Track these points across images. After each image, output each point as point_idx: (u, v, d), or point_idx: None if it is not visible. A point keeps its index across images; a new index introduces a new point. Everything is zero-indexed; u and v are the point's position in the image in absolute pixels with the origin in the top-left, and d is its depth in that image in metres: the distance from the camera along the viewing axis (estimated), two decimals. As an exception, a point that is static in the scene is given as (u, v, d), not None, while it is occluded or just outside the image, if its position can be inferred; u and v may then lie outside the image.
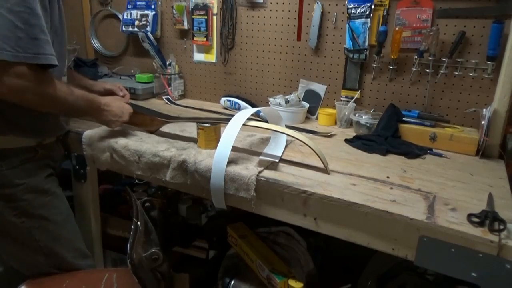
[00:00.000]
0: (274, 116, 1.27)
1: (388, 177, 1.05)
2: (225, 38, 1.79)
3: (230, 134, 1.03)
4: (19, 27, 0.88)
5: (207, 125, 1.18)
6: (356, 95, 1.52)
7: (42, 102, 0.99)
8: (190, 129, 1.37)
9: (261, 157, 1.14)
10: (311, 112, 1.66)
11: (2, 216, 1.08)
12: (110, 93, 1.43)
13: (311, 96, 1.66)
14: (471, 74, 1.34)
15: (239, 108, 1.71)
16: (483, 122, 1.21)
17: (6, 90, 0.91)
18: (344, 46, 1.54)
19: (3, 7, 0.86)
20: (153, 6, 1.91)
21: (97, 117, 1.18)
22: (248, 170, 1.03)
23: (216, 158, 1.03)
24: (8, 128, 1.04)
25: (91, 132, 1.31)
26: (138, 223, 1.04)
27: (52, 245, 1.16)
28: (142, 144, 1.21)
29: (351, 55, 1.52)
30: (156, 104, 1.80)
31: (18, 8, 0.87)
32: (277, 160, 1.12)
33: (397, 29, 1.38)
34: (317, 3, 1.53)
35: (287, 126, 1.31)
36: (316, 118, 1.65)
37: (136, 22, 1.93)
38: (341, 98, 1.58)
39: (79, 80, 1.41)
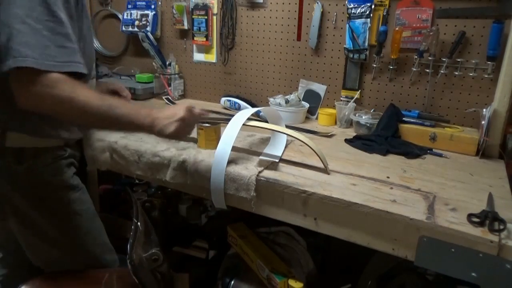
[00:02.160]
0: (274, 116, 1.27)
1: (388, 177, 1.05)
2: (225, 38, 1.79)
3: (230, 134, 1.03)
4: (46, 35, 0.86)
5: (207, 125, 1.18)
6: (356, 95, 1.52)
7: (72, 111, 0.92)
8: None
9: (261, 157, 1.14)
10: (311, 112, 1.66)
11: (35, 213, 1.08)
12: (114, 93, 1.42)
13: (311, 96, 1.66)
14: (471, 74, 1.34)
15: (239, 108, 1.71)
16: (483, 122, 1.21)
17: (35, 100, 0.87)
18: (344, 46, 1.54)
19: (30, 17, 0.85)
20: (153, 6, 1.91)
21: (147, 129, 0.98)
22: (248, 170, 1.03)
23: (216, 158, 1.03)
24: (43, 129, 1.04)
25: (91, 132, 1.31)
26: (138, 223, 1.04)
27: (83, 240, 1.16)
28: (142, 144, 1.21)
29: (351, 55, 1.52)
30: (156, 104, 1.80)
31: (44, 17, 0.87)
32: (277, 160, 1.12)
33: (397, 29, 1.38)
34: (317, 3, 1.53)
35: (287, 126, 1.31)
36: (316, 118, 1.65)
37: (136, 22, 1.93)
38: (341, 98, 1.59)
39: None
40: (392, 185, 1.00)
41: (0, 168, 1.03)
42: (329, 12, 1.55)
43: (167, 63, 1.89)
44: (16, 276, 1.33)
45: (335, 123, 1.58)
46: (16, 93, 0.87)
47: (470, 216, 0.83)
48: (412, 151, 1.24)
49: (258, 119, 1.45)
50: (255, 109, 1.17)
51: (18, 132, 1.01)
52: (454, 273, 0.79)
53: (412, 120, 1.38)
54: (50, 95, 0.87)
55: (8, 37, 0.84)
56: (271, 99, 1.61)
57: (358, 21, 1.47)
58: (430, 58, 1.37)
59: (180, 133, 1.01)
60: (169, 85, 1.90)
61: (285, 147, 1.24)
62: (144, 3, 1.93)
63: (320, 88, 1.65)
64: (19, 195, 1.06)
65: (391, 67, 1.46)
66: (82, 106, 0.89)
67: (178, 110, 1.01)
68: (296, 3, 1.59)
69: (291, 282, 1.17)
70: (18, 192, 1.06)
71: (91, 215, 1.19)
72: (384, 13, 1.43)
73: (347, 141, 1.36)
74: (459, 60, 1.34)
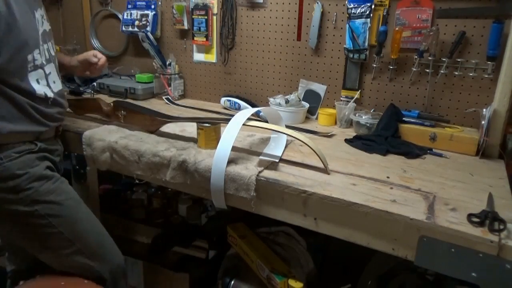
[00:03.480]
0: (274, 116, 1.27)
1: (388, 177, 1.05)
2: (225, 38, 1.79)
3: (230, 134, 1.03)
4: None
5: (207, 125, 1.18)
6: (356, 95, 1.52)
7: None
8: (190, 129, 1.37)
9: (261, 157, 1.14)
10: (311, 112, 1.66)
11: (15, 209, 1.09)
12: (85, 63, 1.43)
13: (311, 96, 1.66)
14: (471, 74, 1.34)
15: (239, 108, 1.71)
16: (483, 122, 1.21)
17: None
18: (344, 46, 1.54)
19: None
20: (153, 6, 1.91)
21: None
22: (248, 170, 1.03)
23: (216, 158, 1.03)
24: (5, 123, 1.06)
25: (91, 132, 1.31)
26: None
27: (72, 229, 1.16)
28: (142, 144, 1.21)
29: (351, 55, 1.52)
30: (156, 104, 1.80)
31: None
32: (277, 160, 1.12)
33: (397, 29, 1.38)
34: (317, 3, 1.53)
35: (287, 126, 1.31)
36: (316, 118, 1.65)
37: (136, 22, 1.93)
38: (341, 98, 1.58)
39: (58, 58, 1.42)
40: (392, 185, 1.00)
41: None
42: (329, 12, 1.55)
43: (167, 63, 1.89)
44: (24, 271, 1.34)
45: (335, 123, 1.58)
46: None
47: (470, 216, 0.83)
48: (412, 151, 1.24)
49: (258, 119, 1.45)
50: (255, 109, 1.17)
51: None
52: (454, 273, 0.79)
53: (412, 120, 1.38)
54: None
55: None
56: (271, 99, 1.61)
57: (358, 21, 1.47)
58: (430, 58, 1.37)
59: None
60: (169, 85, 1.90)
61: (285, 147, 1.24)
62: (144, 3, 1.93)
63: (320, 88, 1.65)
64: None
65: (391, 67, 1.46)
66: None
67: None
68: (296, 3, 1.59)
69: (291, 282, 1.17)
70: None
71: (74, 205, 1.19)
72: (384, 13, 1.43)
73: (347, 141, 1.36)
74: (459, 60, 1.34)
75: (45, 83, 1.16)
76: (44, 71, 1.16)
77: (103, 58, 1.45)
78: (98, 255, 1.21)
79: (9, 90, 1.05)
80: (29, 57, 1.09)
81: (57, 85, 1.22)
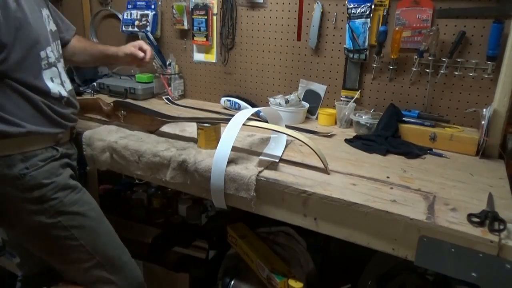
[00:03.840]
0: (274, 116, 1.27)
1: (388, 177, 1.05)
2: (225, 38, 1.79)
3: (230, 134, 1.03)
4: None
5: (207, 125, 1.18)
6: (356, 95, 1.52)
7: None
8: (190, 129, 1.37)
9: (261, 157, 1.14)
10: (311, 112, 1.66)
11: (38, 220, 1.05)
12: (132, 57, 1.39)
13: (311, 96, 1.66)
14: (471, 74, 1.34)
15: (239, 108, 1.71)
16: (483, 122, 1.21)
17: None
18: (344, 46, 1.54)
19: None
20: (153, 6, 1.91)
21: None
22: (248, 170, 1.03)
23: (216, 158, 1.03)
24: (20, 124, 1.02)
25: (91, 132, 1.31)
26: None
27: (94, 242, 1.13)
28: (142, 144, 1.21)
29: (351, 55, 1.52)
30: (156, 104, 1.80)
31: None
32: (277, 160, 1.12)
33: (397, 29, 1.38)
34: (317, 3, 1.53)
35: (287, 126, 1.31)
36: (316, 118, 1.65)
37: (136, 22, 1.93)
38: (341, 98, 1.58)
39: (101, 49, 1.40)
40: (392, 185, 1.00)
41: None
42: (329, 12, 1.55)
43: (167, 63, 1.89)
44: (35, 277, 1.31)
45: (335, 123, 1.58)
46: None
47: (470, 216, 0.83)
48: (412, 151, 1.24)
49: (258, 119, 1.45)
50: (255, 109, 1.17)
51: None
52: (454, 273, 0.79)
53: (412, 120, 1.38)
54: None
55: None
56: (271, 99, 1.61)
57: (358, 21, 1.47)
58: (430, 58, 1.37)
59: None
60: (169, 85, 1.90)
61: (285, 147, 1.24)
62: (144, 3, 1.93)
63: (320, 88, 1.65)
64: (19, 201, 1.04)
65: (391, 67, 1.46)
66: None
67: None
68: (296, 3, 1.59)
69: (291, 282, 1.17)
70: (17, 198, 1.03)
71: (96, 217, 1.16)
72: (384, 13, 1.43)
73: (347, 141, 1.36)
74: (459, 60, 1.34)
75: (59, 82, 1.12)
76: (58, 69, 1.13)
77: (148, 52, 1.40)
78: (118, 269, 1.17)
79: (24, 89, 1.02)
80: (42, 53, 1.06)
81: (68, 85, 1.18)
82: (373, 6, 1.44)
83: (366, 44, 1.48)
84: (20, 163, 1.02)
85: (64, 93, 1.13)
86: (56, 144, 1.11)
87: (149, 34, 1.85)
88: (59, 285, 1.20)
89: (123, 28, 1.98)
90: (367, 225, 0.88)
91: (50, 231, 1.08)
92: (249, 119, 1.10)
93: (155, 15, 1.90)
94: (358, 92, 1.54)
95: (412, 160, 1.21)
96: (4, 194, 1.03)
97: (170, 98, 1.88)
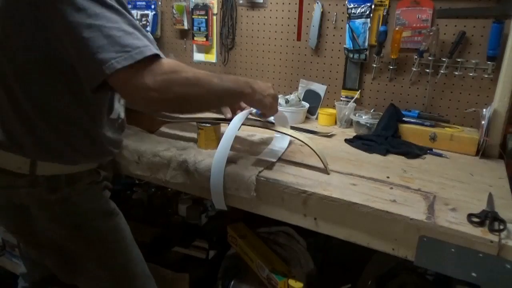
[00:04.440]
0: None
1: (388, 177, 1.04)
2: (225, 38, 1.79)
3: (230, 134, 1.03)
4: (113, 30, 0.76)
5: (207, 125, 1.18)
6: (356, 95, 1.53)
7: (190, 91, 0.82)
8: (190, 129, 1.37)
9: (261, 157, 1.14)
10: (311, 112, 1.66)
11: (72, 245, 0.99)
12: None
13: (311, 96, 1.66)
14: (471, 74, 1.34)
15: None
16: (483, 122, 1.21)
17: (161, 92, 0.76)
18: (344, 46, 1.54)
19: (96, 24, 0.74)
20: (153, 6, 1.91)
21: (249, 98, 0.98)
22: (248, 170, 1.03)
23: (216, 158, 1.03)
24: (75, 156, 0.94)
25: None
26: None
27: (123, 271, 1.07)
28: (142, 144, 1.21)
29: (351, 55, 1.52)
30: (156, 104, 1.80)
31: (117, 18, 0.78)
32: (276, 160, 1.12)
33: (397, 29, 1.38)
34: (317, 3, 1.53)
35: (287, 126, 1.31)
36: (316, 118, 1.65)
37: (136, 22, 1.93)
38: (341, 98, 1.59)
39: None
40: (392, 185, 1.00)
41: (32, 198, 0.92)
42: (329, 12, 1.55)
43: (167, 63, 1.89)
44: (40, 283, 1.28)
45: (335, 123, 1.58)
46: (135, 94, 0.77)
47: (470, 216, 0.83)
48: (412, 151, 1.24)
49: (258, 119, 1.45)
50: (255, 109, 1.17)
51: (46, 161, 0.90)
52: (454, 273, 0.79)
53: (412, 120, 1.38)
54: (177, 80, 0.79)
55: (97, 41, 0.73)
56: (271, 99, 1.61)
57: (358, 21, 1.47)
58: (430, 58, 1.37)
59: (274, 107, 1.07)
60: (169, 85, 1.90)
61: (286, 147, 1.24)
62: (144, 3, 1.93)
63: (320, 88, 1.65)
64: (54, 226, 0.96)
65: (391, 67, 1.46)
66: (207, 83, 0.83)
67: (269, 87, 1.04)
68: (296, 3, 1.59)
69: (291, 282, 1.17)
70: (52, 223, 0.95)
71: (130, 242, 1.09)
72: (384, 13, 1.44)
73: (347, 141, 1.36)
74: (459, 60, 1.34)
75: (122, 103, 1.04)
76: None
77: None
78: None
79: (87, 120, 0.92)
80: None
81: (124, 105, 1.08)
82: (373, 6, 1.44)
83: (366, 44, 1.48)
84: (65, 187, 0.94)
85: (122, 115, 1.06)
86: (99, 167, 1.05)
87: (149, 34, 1.85)
88: None
89: (123, 28, 1.97)
90: (367, 225, 0.88)
91: (81, 260, 1.02)
92: (249, 119, 1.10)
93: (155, 15, 1.90)
94: (358, 92, 1.54)
95: (412, 160, 1.21)
96: (37, 216, 0.94)
97: (170, 98, 1.88)
